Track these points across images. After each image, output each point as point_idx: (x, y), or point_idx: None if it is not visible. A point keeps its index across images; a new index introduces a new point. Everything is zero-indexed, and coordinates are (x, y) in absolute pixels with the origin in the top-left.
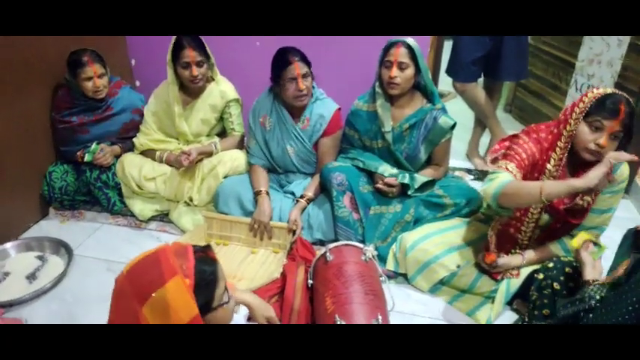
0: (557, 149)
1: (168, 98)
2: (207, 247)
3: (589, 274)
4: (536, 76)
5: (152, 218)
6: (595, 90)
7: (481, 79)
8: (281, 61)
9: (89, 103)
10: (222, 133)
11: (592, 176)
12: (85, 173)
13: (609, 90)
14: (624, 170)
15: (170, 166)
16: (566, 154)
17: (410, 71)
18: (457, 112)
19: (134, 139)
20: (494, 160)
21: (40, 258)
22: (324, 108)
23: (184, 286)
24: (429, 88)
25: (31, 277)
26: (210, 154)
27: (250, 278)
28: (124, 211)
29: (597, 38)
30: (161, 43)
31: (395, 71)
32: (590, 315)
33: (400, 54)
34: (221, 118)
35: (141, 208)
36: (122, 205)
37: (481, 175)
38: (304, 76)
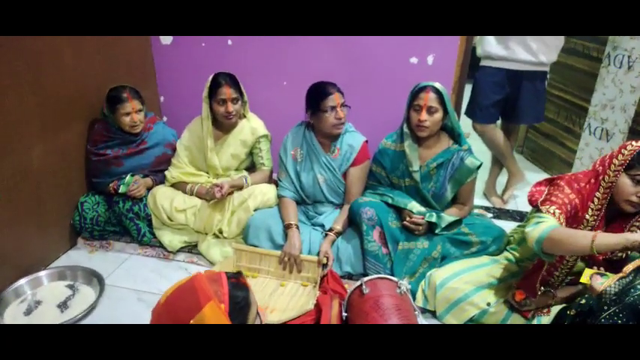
0: (596, 199)
1: (202, 133)
2: (239, 274)
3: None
4: (548, 119)
5: (180, 249)
6: (634, 143)
7: (499, 121)
8: (322, 92)
9: (125, 137)
10: (250, 168)
11: None
12: (118, 204)
13: None
14: None
15: (200, 198)
16: (605, 205)
17: (439, 115)
18: (474, 151)
19: (166, 172)
20: (541, 202)
21: (71, 287)
22: (353, 139)
23: (220, 310)
24: (455, 129)
25: (63, 305)
26: (240, 188)
27: (282, 310)
28: (153, 242)
29: (610, 84)
30: (188, 81)
31: (424, 115)
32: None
33: (430, 98)
34: (250, 153)
35: (170, 239)
36: (152, 236)
37: (499, 213)
38: (342, 105)
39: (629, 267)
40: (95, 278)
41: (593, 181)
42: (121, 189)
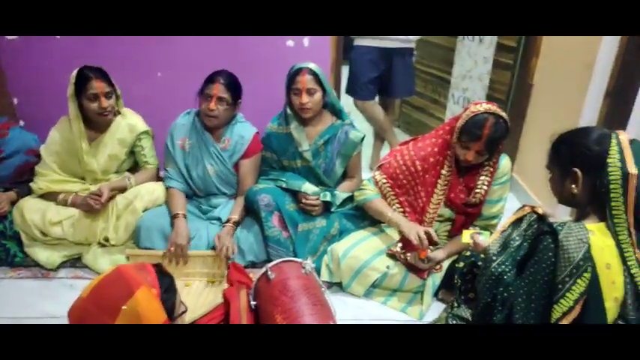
0: (446, 166)
1: (71, 135)
2: (159, 265)
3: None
4: (417, 93)
5: (61, 265)
6: (472, 107)
7: (377, 98)
8: (209, 78)
9: None
10: (132, 169)
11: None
12: None
13: (482, 108)
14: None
15: (78, 208)
16: (453, 164)
17: (318, 95)
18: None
19: (31, 184)
20: (377, 167)
21: None
22: (244, 130)
23: (151, 295)
24: (336, 106)
25: None
26: (123, 190)
27: (191, 310)
28: (26, 261)
29: (466, 56)
30: (45, 79)
31: (305, 97)
32: (510, 289)
33: (307, 80)
34: (131, 153)
35: (47, 255)
36: (24, 255)
37: None
38: (219, 99)
39: (507, 222)
40: None
41: (440, 141)
42: None
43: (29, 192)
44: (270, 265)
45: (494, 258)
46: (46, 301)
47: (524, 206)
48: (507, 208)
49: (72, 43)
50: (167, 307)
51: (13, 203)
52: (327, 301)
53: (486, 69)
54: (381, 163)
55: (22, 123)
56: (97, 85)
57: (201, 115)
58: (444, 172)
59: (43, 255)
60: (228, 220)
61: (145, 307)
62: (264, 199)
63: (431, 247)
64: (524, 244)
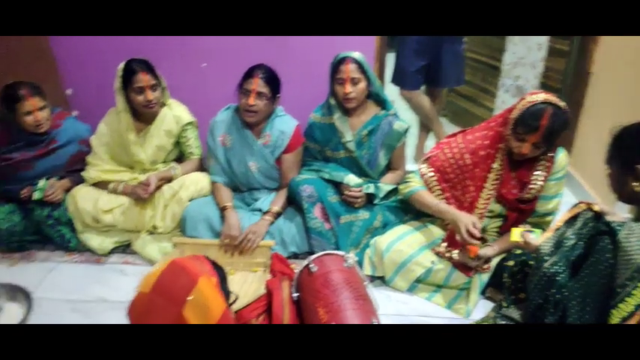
0: (497, 160)
1: (119, 127)
2: (208, 258)
3: (537, 242)
4: (466, 82)
5: (112, 251)
6: (528, 97)
7: (423, 87)
8: (248, 72)
9: (31, 137)
10: (178, 159)
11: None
12: (35, 212)
13: (540, 98)
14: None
15: (127, 197)
16: (505, 157)
17: (362, 84)
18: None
19: (83, 173)
20: (423, 160)
21: None
22: (284, 124)
23: (211, 283)
24: (380, 96)
25: None
26: (170, 180)
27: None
28: (79, 247)
29: (519, 43)
30: (97, 70)
31: (349, 87)
32: (558, 279)
33: (351, 70)
34: (177, 143)
35: (99, 241)
36: (77, 240)
37: None
38: (258, 94)
39: (561, 220)
40: (20, 293)
41: (488, 141)
42: (36, 195)
43: (82, 180)
44: (312, 257)
45: (546, 258)
46: (97, 285)
47: (579, 203)
48: (562, 203)
49: (122, 36)
50: (224, 292)
51: (67, 191)
52: (370, 295)
53: (540, 56)
54: (428, 155)
55: (75, 113)
56: (143, 78)
57: (241, 111)
58: (495, 165)
59: (95, 241)
60: (268, 211)
61: (209, 295)
62: (307, 190)
63: (478, 242)
64: (579, 243)
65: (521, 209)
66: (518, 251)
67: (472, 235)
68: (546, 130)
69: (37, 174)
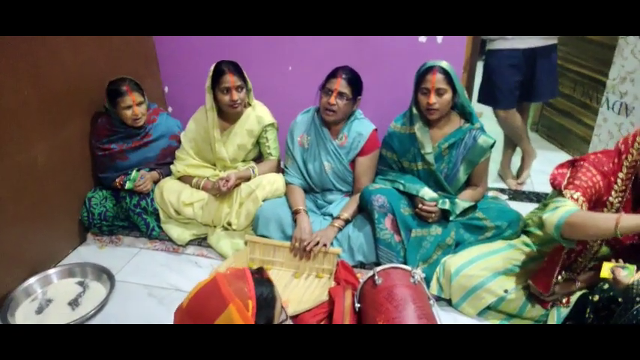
0: (619, 180)
1: (207, 124)
2: (261, 269)
3: (629, 281)
4: (563, 95)
5: (190, 242)
6: None
7: None
8: (332, 72)
9: (128, 130)
10: (257, 158)
11: None
12: (125, 199)
13: None
14: None
15: (208, 192)
16: (629, 186)
17: (448, 96)
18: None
19: (171, 166)
20: (565, 186)
21: (81, 284)
22: (362, 127)
23: (243, 310)
24: (467, 108)
25: (74, 303)
26: (248, 179)
27: (297, 301)
28: (161, 235)
29: (629, 56)
30: (192, 70)
31: (433, 98)
32: None
33: (437, 80)
34: (257, 143)
35: (179, 232)
36: (160, 230)
37: (515, 194)
38: (340, 94)
39: None
40: (105, 274)
41: (616, 160)
42: (128, 185)
43: (170, 173)
44: (378, 269)
45: (637, 299)
46: (173, 274)
47: None
48: None
49: (214, 39)
50: (264, 318)
51: (155, 183)
52: (435, 315)
53: None
54: (568, 181)
55: (170, 109)
56: (230, 79)
57: (321, 110)
58: (611, 199)
59: (175, 232)
60: (338, 217)
61: (236, 321)
62: (379, 200)
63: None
64: None
65: (632, 257)
66: (606, 286)
67: None
68: None
69: (131, 164)
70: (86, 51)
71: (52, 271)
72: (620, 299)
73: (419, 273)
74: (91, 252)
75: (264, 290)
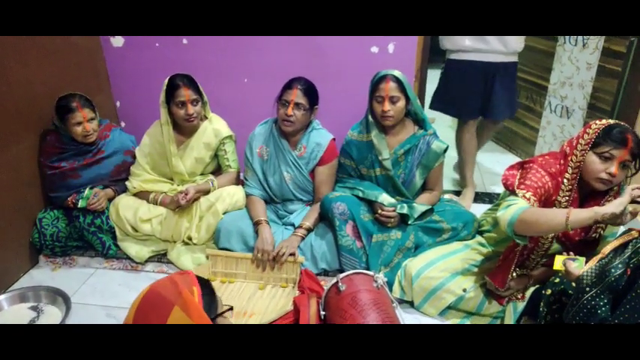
0: (565, 180)
1: (162, 138)
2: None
3: (579, 272)
4: None
5: (149, 259)
6: (598, 122)
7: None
8: (288, 83)
9: (79, 147)
10: (216, 171)
11: (617, 203)
12: (79, 219)
13: (612, 121)
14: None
15: (166, 207)
16: (575, 185)
17: (401, 103)
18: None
19: (127, 182)
20: (517, 186)
21: (35, 309)
22: (320, 137)
23: (190, 295)
24: (419, 114)
25: None
26: (207, 192)
27: (261, 313)
28: (118, 254)
29: (567, 62)
30: (144, 84)
31: (387, 105)
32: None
33: (390, 88)
34: (215, 156)
35: (137, 249)
36: (117, 248)
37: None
38: (297, 104)
39: (607, 248)
40: (60, 297)
41: (562, 162)
42: (81, 203)
43: (125, 190)
44: (341, 276)
45: (587, 289)
46: (132, 293)
47: (629, 230)
48: None
49: (168, 51)
50: (208, 303)
51: (110, 200)
52: (398, 318)
53: (589, 76)
54: (519, 182)
55: (122, 124)
56: (185, 93)
57: (279, 121)
58: (559, 198)
59: (133, 249)
60: (300, 226)
61: (191, 311)
62: (340, 208)
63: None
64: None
65: (582, 252)
66: (557, 279)
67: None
68: (635, 145)
69: (83, 182)
70: (32, 64)
71: (1, 297)
72: (570, 292)
73: (381, 277)
74: (44, 275)
75: (204, 281)
